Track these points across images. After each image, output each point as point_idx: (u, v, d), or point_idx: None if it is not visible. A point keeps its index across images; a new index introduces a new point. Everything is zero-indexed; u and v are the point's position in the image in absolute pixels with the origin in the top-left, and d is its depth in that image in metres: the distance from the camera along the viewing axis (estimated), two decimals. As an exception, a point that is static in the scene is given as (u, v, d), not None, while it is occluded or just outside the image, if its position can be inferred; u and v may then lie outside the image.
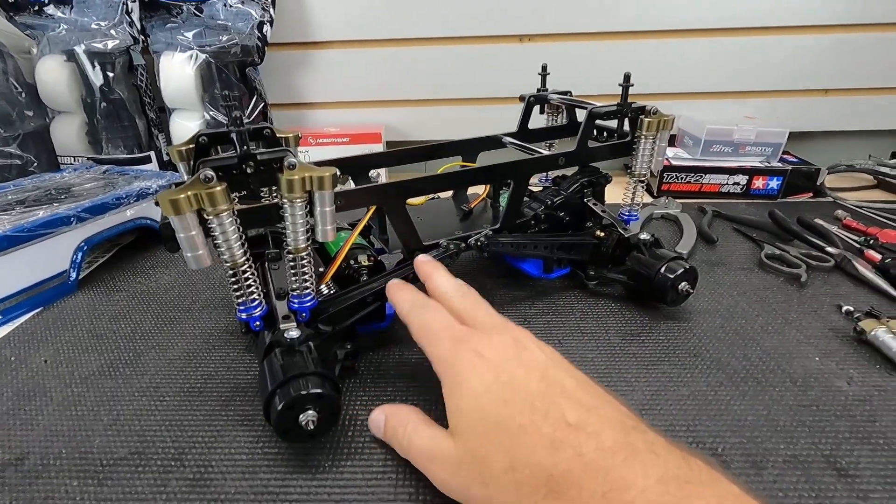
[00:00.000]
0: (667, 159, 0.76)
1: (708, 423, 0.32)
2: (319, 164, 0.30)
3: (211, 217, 0.28)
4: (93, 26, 0.69)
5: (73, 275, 0.50)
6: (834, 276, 0.50)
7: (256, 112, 0.77)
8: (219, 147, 0.36)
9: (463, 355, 0.27)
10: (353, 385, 0.36)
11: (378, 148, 0.79)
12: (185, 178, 0.36)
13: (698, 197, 0.75)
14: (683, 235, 0.60)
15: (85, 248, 0.51)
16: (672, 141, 0.84)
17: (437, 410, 0.32)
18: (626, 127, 0.45)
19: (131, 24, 0.71)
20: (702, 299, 0.46)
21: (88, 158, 0.75)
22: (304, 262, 0.32)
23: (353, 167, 0.45)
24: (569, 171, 0.48)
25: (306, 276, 0.33)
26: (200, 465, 0.30)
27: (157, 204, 0.27)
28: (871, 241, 0.55)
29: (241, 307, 0.32)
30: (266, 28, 0.74)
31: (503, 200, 0.47)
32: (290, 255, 0.32)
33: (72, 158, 0.76)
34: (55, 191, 0.57)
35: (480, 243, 0.41)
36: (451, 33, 0.81)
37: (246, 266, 0.31)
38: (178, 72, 0.71)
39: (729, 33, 0.79)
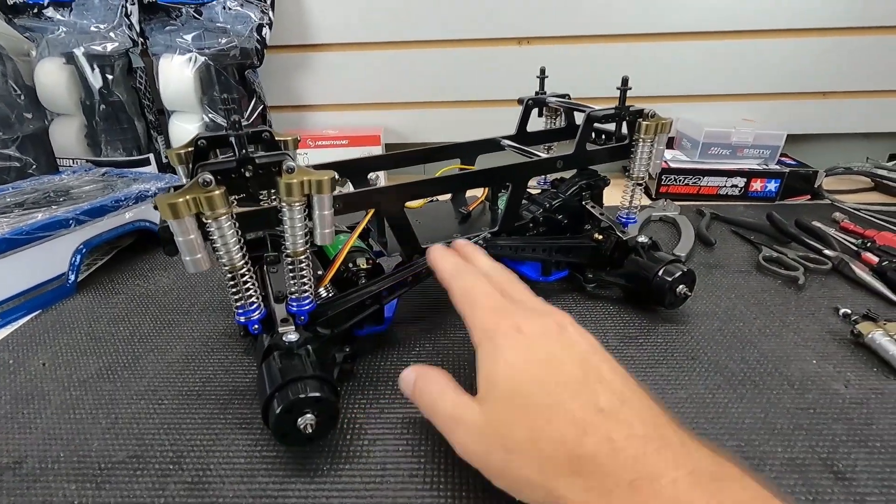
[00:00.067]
0: (665, 162, 0.76)
1: (706, 425, 0.33)
2: (318, 167, 0.30)
3: (209, 221, 0.28)
4: (92, 29, 0.69)
5: (72, 277, 0.50)
6: (831, 278, 0.51)
7: (255, 114, 0.77)
8: (217, 150, 0.36)
9: (503, 328, 0.27)
10: (351, 388, 0.36)
11: (377, 150, 0.79)
12: (185, 181, 0.36)
13: (696, 199, 0.75)
14: (681, 238, 0.60)
15: (84, 250, 0.51)
16: (670, 143, 0.84)
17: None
18: (625, 130, 0.45)
19: (130, 26, 0.71)
20: (700, 302, 0.46)
21: (87, 161, 0.75)
22: (302, 265, 0.32)
23: (352, 170, 0.45)
24: (567, 174, 0.48)
25: (305, 280, 0.33)
26: (199, 469, 0.30)
27: (155, 207, 0.27)
28: (869, 244, 0.55)
29: (240, 310, 0.32)
30: (265, 30, 0.74)
31: (501, 203, 0.47)
32: (289, 259, 0.32)
33: (71, 161, 0.76)
34: (54, 193, 0.57)
35: (479, 246, 0.41)
36: (449, 36, 0.81)
37: (244, 269, 0.31)
38: (177, 74, 0.71)
39: (727, 36, 0.80)
